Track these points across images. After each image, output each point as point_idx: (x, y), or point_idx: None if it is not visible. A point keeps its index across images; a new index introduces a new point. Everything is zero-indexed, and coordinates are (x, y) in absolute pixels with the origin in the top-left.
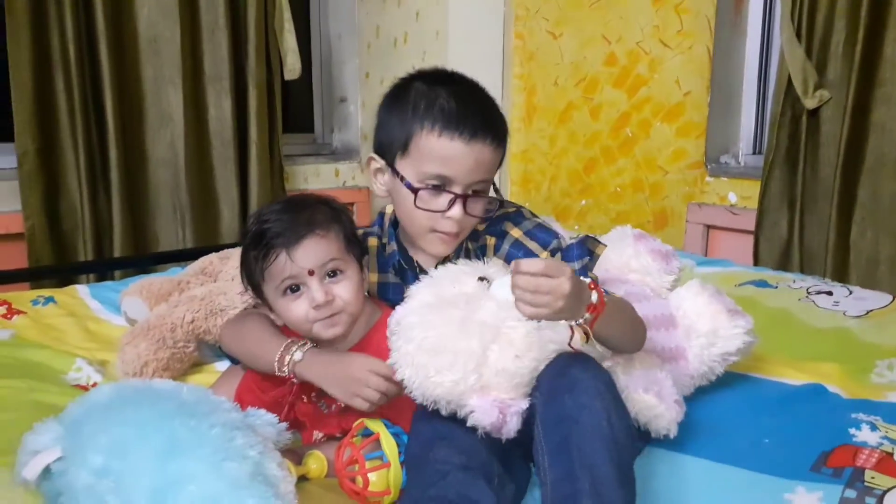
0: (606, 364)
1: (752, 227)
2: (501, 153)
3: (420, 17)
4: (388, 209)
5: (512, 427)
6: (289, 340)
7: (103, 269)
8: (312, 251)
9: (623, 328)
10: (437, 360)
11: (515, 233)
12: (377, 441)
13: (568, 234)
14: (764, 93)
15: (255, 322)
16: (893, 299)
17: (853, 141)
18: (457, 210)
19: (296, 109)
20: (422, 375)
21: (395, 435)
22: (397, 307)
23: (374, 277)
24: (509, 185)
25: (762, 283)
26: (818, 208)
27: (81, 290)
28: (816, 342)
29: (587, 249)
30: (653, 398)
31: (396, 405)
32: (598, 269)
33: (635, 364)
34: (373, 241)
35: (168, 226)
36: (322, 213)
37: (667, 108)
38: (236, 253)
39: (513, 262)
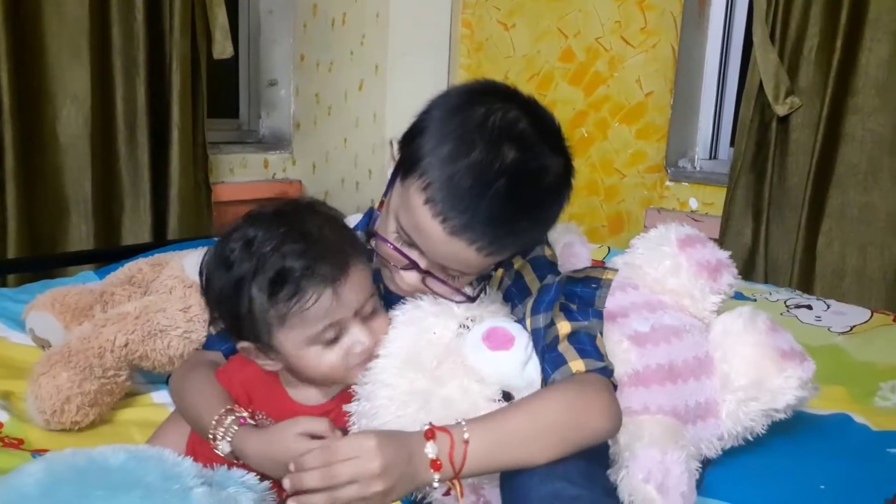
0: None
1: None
2: (501, 257)
3: None
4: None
5: None
6: (216, 417)
7: None
8: (359, 285)
9: (536, 440)
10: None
11: (518, 263)
12: None
13: (587, 248)
14: (722, 96)
15: (198, 377)
16: (872, 314)
17: (825, 150)
18: (410, 278)
19: (217, 91)
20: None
21: None
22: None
23: None
24: None
25: (738, 296)
26: (784, 217)
27: None
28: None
29: (582, 289)
30: (653, 490)
31: None
32: (622, 292)
33: (644, 435)
34: None
35: (73, 222)
36: (340, 230)
37: (626, 108)
38: (170, 259)
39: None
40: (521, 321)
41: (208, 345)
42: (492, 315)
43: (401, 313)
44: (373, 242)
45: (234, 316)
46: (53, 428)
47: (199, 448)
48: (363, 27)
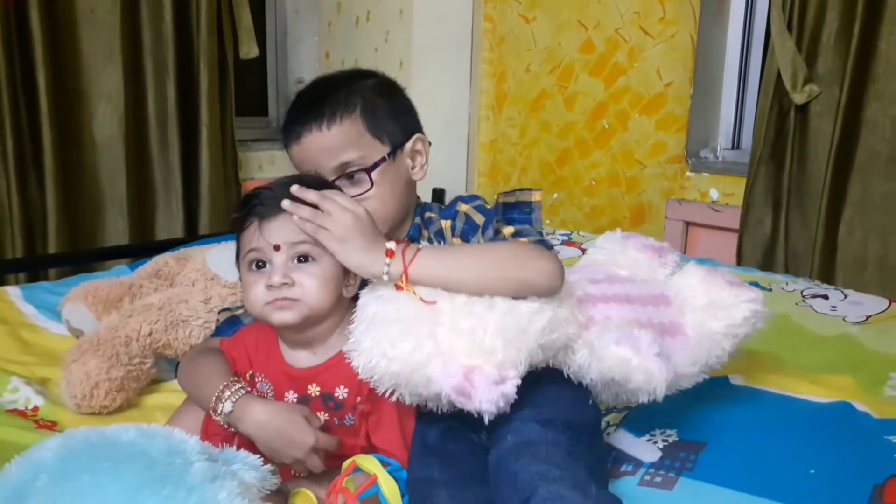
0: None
1: (732, 224)
2: (350, 128)
3: None
4: None
5: (483, 396)
6: (224, 383)
7: (36, 267)
8: (285, 227)
9: (476, 265)
10: (389, 331)
11: (463, 207)
12: (374, 482)
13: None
14: (744, 85)
15: (206, 358)
16: (890, 304)
17: (845, 137)
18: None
19: (247, 90)
20: (377, 353)
21: (396, 471)
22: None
23: None
24: (476, 177)
25: (755, 285)
26: (805, 206)
27: (12, 293)
28: (824, 351)
29: (518, 214)
30: (627, 350)
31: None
32: (580, 273)
33: (610, 327)
34: None
35: (109, 219)
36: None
37: (646, 99)
38: (194, 254)
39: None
40: None
41: (216, 333)
42: None
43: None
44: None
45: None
46: (84, 412)
47: (211, 429)
48: (387, 24)
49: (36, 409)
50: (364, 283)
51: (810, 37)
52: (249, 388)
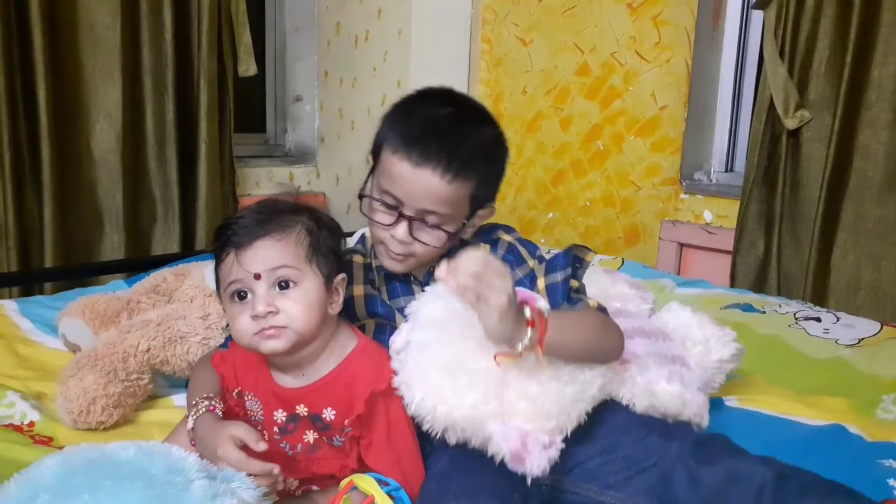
0: (621, 372)
1: (726, 246)
2: (462, 190)
3: (382, 15)
4: (368, 231)
5: (535, 461)
6: (196, 400)
7: (31, 280)
8: (262, 254)
9: (584, 337)
10: (456, 381)
11: (507, 237)
12: (371, 503)
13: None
14: (738, 110)
15: (199, 374)
16: (882, 327)
17: (837, 163)
18: (399, 231)
19: (245, 107)
20: (437, 397)
21: (395, 490)
22: (402, 326)
23: (359, 291)
24: None
25: (748, 307)
26: (797, 229)
27: (8, 307)
28: (817, 373)
29: (573, 257)
30: (678, 386)
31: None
32: None
33: (649, 363)
34: (358, 258)
35: (106, 233)
36: (293, 218)
37: (641, 121)
38: (193, 270)
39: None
40: (519, 281)
41: (224, 345)
42: None
43: (422, 301)
44: (363, 207)
45: (214, 278)
46: (80, 427)
47: None
48: (385, 44)
49: (32, 424)
50: (348, 307)
51: (801, 64)
52: (213, 407)
